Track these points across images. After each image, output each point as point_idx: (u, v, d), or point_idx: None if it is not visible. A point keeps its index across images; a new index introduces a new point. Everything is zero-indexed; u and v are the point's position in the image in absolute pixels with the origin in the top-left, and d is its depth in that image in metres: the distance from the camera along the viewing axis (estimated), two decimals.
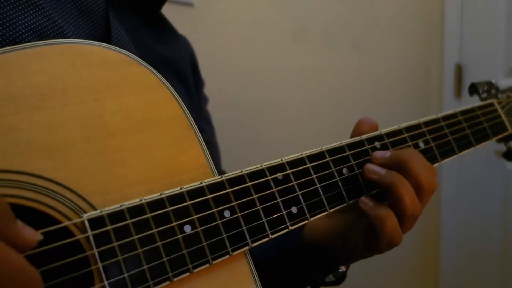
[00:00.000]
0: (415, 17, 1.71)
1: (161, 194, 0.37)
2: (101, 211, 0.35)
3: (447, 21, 1.70)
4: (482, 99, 0.73)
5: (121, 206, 0.36)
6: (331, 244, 0.53)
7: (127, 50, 0.54)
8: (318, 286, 0.60)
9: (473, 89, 0.75)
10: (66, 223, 0.33)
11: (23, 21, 0.44)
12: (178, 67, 0.64)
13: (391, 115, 1.53)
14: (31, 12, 0.45)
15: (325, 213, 0.45)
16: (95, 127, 0.38)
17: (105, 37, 0.54)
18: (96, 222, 0.34)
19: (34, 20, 0.45)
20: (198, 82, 0.71)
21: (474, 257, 1.68)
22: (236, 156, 0.76)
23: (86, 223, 0.34)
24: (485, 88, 0.76)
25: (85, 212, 0.35)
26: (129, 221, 0.35)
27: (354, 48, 1.59)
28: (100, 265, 0.33)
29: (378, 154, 0.49)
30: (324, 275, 0.58)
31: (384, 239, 0.45)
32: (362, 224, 0.50)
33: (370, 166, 0.48)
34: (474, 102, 0.68)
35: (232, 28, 1.36)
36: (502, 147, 0.73)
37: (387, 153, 0.48)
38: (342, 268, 0.58)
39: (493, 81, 0.78)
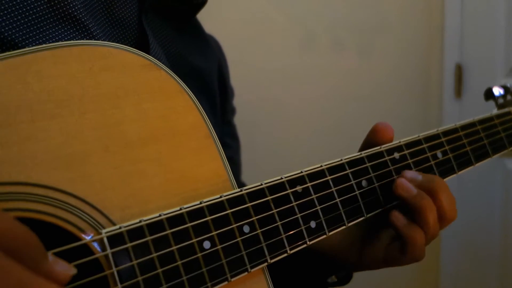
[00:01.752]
0: (415, 17, 1.69)
1: (180, 209, 0.36)
2: (119, 227, 0.34)
3: (447, 21, 1.67)
4: (498, 106, 0.71)
5: (140, 221, 0.34)
6: (344, 254, 0.52)
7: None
8: None
9: (490, 94, 0.74)
10: (85, 240, 0.32)
11: (60, 36, 0.42)
12: (207, 79, 0.62)
13: (391, 115, 1.51)
14: (69, 26, 0.43)
15: (343, 227, 0.45)
16: (114, 136, 0.37)
17: (137, 47, 0.52)
18: (115, 239, 0.33)
19: (72, 35, 0.43)
20: (224, 93, 0.68)
21: (474, 257, 1.68)
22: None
23: (105, 240, 0.33)
24: (502, 93, 0.74)
25: (104, 228, 0.34)
26: (148, 238, 0.34)
27: (354, 49, 1.57)
28: (119, 286, 0.32)
29: (410, 175, 0.48)
30: (327, 276, 0.58)
31: (410, 256, 0.46)
32: (383, 237, 0.49)
33: (403, 183, 0.47)
34: (474, 102, 0.67)
35: (232, 29, 1.34)
36: None
37: (419, 176, 0.48)
38: None
39: (509, 85, 0.76)
